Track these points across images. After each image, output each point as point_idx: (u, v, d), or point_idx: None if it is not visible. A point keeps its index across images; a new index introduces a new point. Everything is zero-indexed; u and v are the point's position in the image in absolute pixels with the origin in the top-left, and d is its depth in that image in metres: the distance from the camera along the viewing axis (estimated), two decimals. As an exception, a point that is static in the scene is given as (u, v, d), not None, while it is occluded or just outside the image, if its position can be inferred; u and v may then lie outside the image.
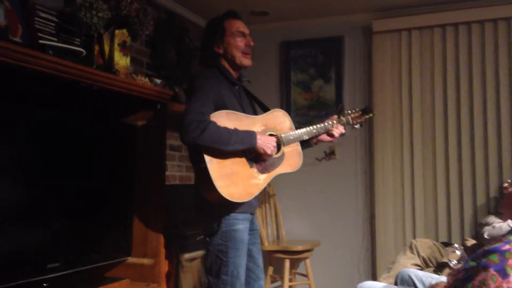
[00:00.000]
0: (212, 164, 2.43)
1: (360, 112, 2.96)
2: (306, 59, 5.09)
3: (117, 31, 3.15)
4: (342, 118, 2.91)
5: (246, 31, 2.73)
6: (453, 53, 4.53)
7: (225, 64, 2.71)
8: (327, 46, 5.01)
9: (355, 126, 2.96)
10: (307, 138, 2.79)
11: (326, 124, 2.86)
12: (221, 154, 2.45)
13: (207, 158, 2.42)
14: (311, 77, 5.07)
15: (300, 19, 5.01)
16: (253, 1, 4.49)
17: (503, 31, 4.39)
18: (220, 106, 2.53)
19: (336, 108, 4.76)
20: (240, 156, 2.53)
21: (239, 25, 2.71)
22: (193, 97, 2.48)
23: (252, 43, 2.72)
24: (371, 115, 3.00)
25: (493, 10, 4.37)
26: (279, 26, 5.09)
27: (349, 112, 2.95)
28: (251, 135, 2.52)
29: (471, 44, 4.47)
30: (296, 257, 4.48)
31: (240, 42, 2.68)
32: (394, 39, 4.72)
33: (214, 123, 2.42)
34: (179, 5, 4.54)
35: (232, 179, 2.47)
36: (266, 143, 2.54)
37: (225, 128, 2.45)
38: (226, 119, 2.50)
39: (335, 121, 2.89)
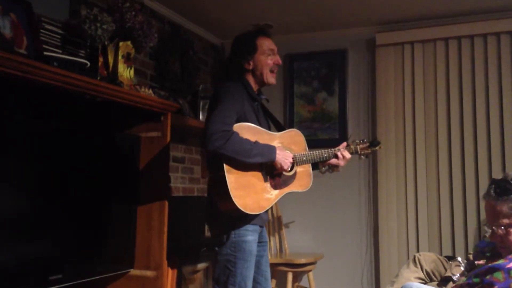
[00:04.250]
0: (230, 173, 2.48)
1: (367, 144, 3.02)
2: (309, 71, 5.11)
3: (121, 43, 3.16)
4: (351, 146, 2.96)
5: (276, 48, 2.81)
6: (456, 66, 4.55)
7: (250, 80, 2.78)
8: (331, 59, 5.03)
9: (361, 157, 3.03)
10: (318, 161, 2.84)
11: (336, 149, 2.91)
12: (240, 165, 2.50)
13: (226, 167, 2.47)
14: (315, 89, 5.08)
15: (304, 32, 5.03)
16: (258, 14, 4.52)
17: (505, 44, 4.40)
18: (242, 119, 2.59)
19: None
20: (257, 170, 2.59)
21: (270, 43, 2.80)
22: (218, 107, 2.53)
23: (280, 62, 2.83)
24: (377, 148, 3.06)
25: (496, 24, 4.40)
26: (283, 39, 5.10)
27: (358, 142, 3.00)
28: (272, 149, 2.58)
29: (474, 57, 4.49)
30: (299, 270, 4.46)
31: (270, 60, 2.77)
32: (397, 52, 4.74)
33: (237, 134, 2.48)
34: (184, 18, 4.57)
35: (247, 190, 2.52)
36: (284, 159, 2.62)
37: (248, 140, 2.51)
38: (248, 132, 2.57)
39: (344, 148, 2.94)
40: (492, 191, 2.15)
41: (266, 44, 2.78)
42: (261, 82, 2.80)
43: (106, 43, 3.06)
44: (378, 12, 4.52)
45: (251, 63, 2.75)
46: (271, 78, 2.79)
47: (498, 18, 4.38)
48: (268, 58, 2.76)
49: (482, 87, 4.45)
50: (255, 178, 2.58)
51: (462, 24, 4.50)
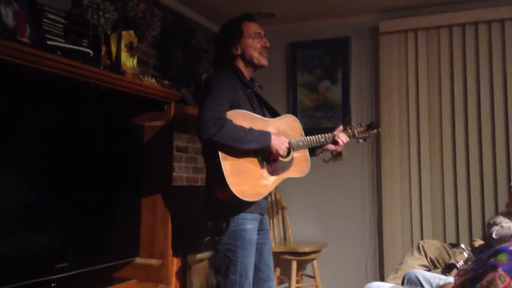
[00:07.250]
0: (226, 161, 2.47)
1: (365, 127, 3.01)
2: (312, 60, 5.09)
3: (124, 32, 3.16)
4: (348, 130, 2.97)
5: (262, 32, 2.79)
6: (460, 54, 4.53)
7: (241, 66, 2.76)
8: (334, 47, 5.01)
9: (359, 140, 3.02)
10: (315, 146, 2.83)
11: (333, 134, 2.90)
12: (235, 152, 2.49)
13: (221, 154, 2.46)
14: (318, 78, 5.07)
15: (307, 20, 5.01)
16: (260, 2, 4.50)
17: (510, 31, 4.37)
18: (235, 106, 2.58)
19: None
20: (253, 156, 2.57)
21: (255, 27, 2.78)
22: (210, 95, 2.51)
23: (268, 44, 2.79)
24: (375, 131, 3.05)
25: (500, 10, 4.36)
26: (286, 28, 5.10)
27: (355, 125, 3.00)
28: (266, 134, 2.57)
29: (478, 45, 4.47)
30: (303, 258, 4.48)
31: (257, 43, 2.75)
32: (400, 39, 4.72)
33: (231, 121, 2.47)
34: (186, 6, 4.55)
35: (243, 177, 2.51)
36: (279, 144, 2.59)
37: (241, 127, 2.50)
38: (242, 118, 2.55)
39: (341, 132, 2.93)
40: None
41: (251, 28, 2.76)
42: (253, 65, 2.77)
43: (108, 32, 3.05)
44: None
45: (239, 48, 2.73)
46: (262, 60, 2.76)
47: (502, 5, 4.35)
48: (255, 41, 2.74)
49: (486, 74, 4.42)
50: (251, 165, 2.56)
51: (466, 11, 4.47)
